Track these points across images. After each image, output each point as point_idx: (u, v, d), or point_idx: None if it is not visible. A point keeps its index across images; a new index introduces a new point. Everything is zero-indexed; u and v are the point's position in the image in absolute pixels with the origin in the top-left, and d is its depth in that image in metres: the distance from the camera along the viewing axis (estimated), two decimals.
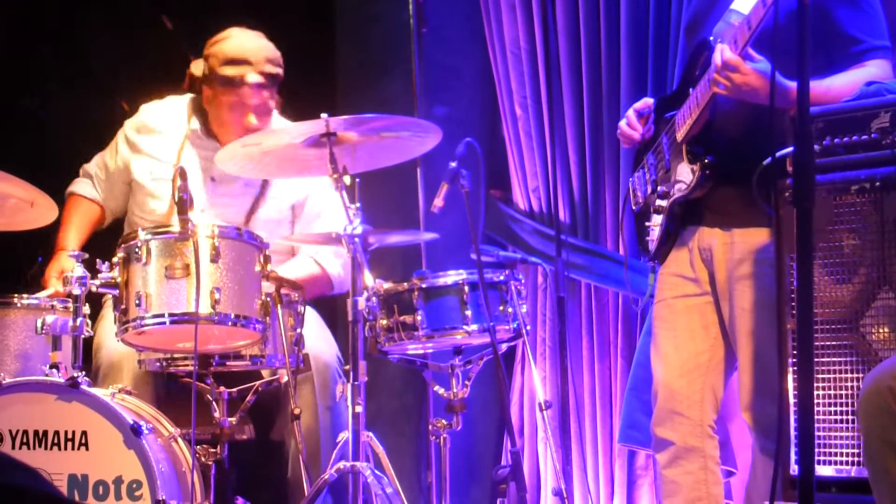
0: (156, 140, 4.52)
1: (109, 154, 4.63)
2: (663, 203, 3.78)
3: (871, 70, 3.58)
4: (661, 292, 3.86)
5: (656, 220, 3.83)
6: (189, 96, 4.56)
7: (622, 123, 3.93)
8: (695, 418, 3.76)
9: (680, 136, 3.70)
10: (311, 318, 4.32)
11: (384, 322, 3.88)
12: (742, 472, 4.11)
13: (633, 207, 3.98)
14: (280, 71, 4.40)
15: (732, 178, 3.62)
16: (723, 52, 3.44)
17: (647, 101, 3.92)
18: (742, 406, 3.69)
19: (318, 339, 4.25)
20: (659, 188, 3.80)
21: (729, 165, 3.64)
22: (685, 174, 3.69)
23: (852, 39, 3.60)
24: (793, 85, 3.06)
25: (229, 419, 3.88)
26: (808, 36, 2.64)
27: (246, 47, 4.37)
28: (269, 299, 3.77)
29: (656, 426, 3.81)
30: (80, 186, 4.66)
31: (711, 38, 3.66)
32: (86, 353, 3.96)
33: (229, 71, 4.33)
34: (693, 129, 3.66)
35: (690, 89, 3.67)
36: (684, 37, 4.18)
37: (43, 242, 4.68)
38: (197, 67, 4.47)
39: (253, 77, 4.33)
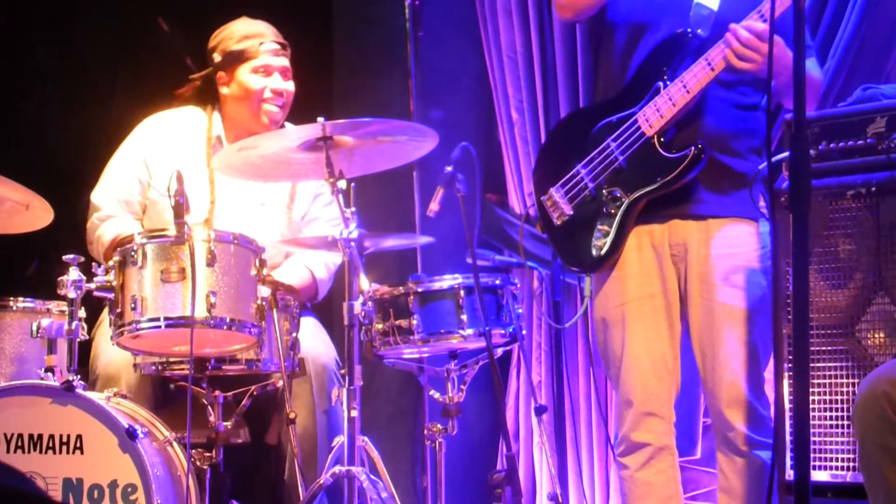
0: (178, 150, 4.45)
1: (125, 183, 4.45)
2: (617, 206, 3.76)
3: (817, 66, 3.76)
4: (624, 294, 3.81)
5: (606, 225, 3.79)
6: (196, 109, 4.54)
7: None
8: (666, 417, 3.78)
9: (651, 130, 3.70)
10: (309, 321, 4.32)
11: (380, 326, 3.87)
12: None
13: (557, 222, 3.90)
14: (289, 52, 4.48)
15: (708, 166, 3.65)
16: (752, 26, 3.47)
17: None
18: (725, 402, 3.68)
19: (316, 342, 4.25)
20: (605, 192, 3.77)
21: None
22: (662, 167, 3.68)
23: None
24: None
25: (224, 423, 3.87)
26: (804, 35, 2.66)
27: (255, 24, 4.48)
28: (264, 303, 3.77)
29: (632, 431, 3.79)
30: (117, 224, 4.39)
31: (689, 30, 3.68)
32: (82, 358, 3.95)
33: (245, 43, 4.41)
34: (671, 121, 3.67)
35: (660, 82, 3.68)
36: (610, 31, 4.03)
37: (38, 246, 4.67)
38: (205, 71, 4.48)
39: (269, 45, 4.42)
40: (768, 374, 3.67)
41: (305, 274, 4.43)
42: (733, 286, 3.66)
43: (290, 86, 4.45)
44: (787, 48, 3.49)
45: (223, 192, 4.36)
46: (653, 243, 3.77)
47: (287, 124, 4.50)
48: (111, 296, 3.71)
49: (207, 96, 4.50)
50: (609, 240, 3.77)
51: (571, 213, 3.84)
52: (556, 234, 3.90)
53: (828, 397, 3.29)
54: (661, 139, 3.69)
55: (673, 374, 3.79)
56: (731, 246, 3.69)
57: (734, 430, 3.68)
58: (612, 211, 3.76)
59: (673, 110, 3.66)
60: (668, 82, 3.67)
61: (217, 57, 4.43)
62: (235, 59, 4.40)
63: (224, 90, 4.44)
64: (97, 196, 4.44)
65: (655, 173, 3.69)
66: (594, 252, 3.79)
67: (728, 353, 3.66)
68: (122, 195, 4.43)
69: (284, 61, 4.44)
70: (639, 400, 3.77)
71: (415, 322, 3.83)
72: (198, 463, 3.81)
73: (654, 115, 3.69)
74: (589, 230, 3.81)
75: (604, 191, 3.77)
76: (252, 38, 4.41)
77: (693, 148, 3.64)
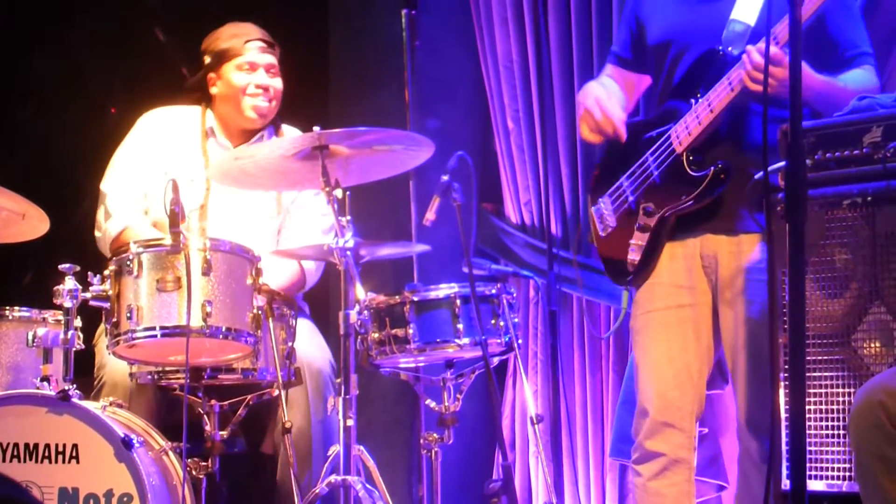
0: (174, 144, 4.51)
1: (130, 177, 4.50)
2: (650, 220, 3.78)
3: (868, 74, 3.70)
4: (652, 302, 3.84)
5: (640, 239, 3.82)
6: (195, 108, 4.57)
7: (597, 109, 3.85)
8: (686, 430, 3.77)
9: (681, 147, 3.72)
10: (304, 324, 4.32)
11: (376, 335, 3.87)
12: (734, 486, 4.11)
13: (602, 234, 3.96)
14: (277, 50, 4.54)
15: (741, 181, 3.66)
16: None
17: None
18: (746, 415, 3.68)
19: (311, 346, 4.24)
20: (642, 206, 3.80)
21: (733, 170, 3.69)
22: (688, 185, 3.70)
23: (845, 44, 3.73)
24: (820, 79, 3.37)
25: (220, 432, 3.87)
26: (801, 51, 2.67)
27: (243, 25, 4.56)
28: (260, 312, 3.76)
29: (647, 439, 3.79)
30: (125, 218, 4.43)
31: (720, 48, 3.69)
32: (82, 367, 3.94)
33: (232, 42, 4.48)
34: (699, 138, 3.68)
35: (693, 100, 3.70)
36: (654, 53, 4.08)
37: (34, 255, 4.66)
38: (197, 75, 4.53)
39: (255, 42, 4.48)
40: None
41: (295, 266, 4.45)
42: (761, 301, 3.65)
43: (276, 82, 4.50)
44: (806, 67, 3.46)
45: (215, 187, 4.39)
46: (685, 255, 3.79)
47: (285, 126, 4.53)
48: (107, 305, 3.71)
49: (202, 99, 4.57)
50: (642, 253, 3.79)
51: (615, 224, 3.88)
52: (603, 246, 3.94)
53: (824, 407, 3.29)
54: (691, 157, 3.72)
55: (697, 388, 3.78)
56: (762, 261, 3.68)
57: (753, 443, 3.67)
58: (647, 224, 3.78)
59: (699, 129, 3.68)
60: (699, 100, 3.69)
61: (207, 59, 4.52)
62: (222, 57, 4.48)
63: (213, 90, 4.52)
64: (106, 185, 4.50)
65: (682, 191, 3.71)
66: (628, 266, 3.82)
67: (752, 366, 3.66)
68: (129, 184, 4.47)
69: (270, 59, 4.50)
70: (656, 409, 3.77)
71: (411, 331, 3.83)
72: (194, 472, 3.80)
73: (683, 133, 3.72)
74: (626, 243, 3.83)
75: (641, 205, 3.80)
76: (238, 36, 4.49)
77: (713, 168, 3.65)
